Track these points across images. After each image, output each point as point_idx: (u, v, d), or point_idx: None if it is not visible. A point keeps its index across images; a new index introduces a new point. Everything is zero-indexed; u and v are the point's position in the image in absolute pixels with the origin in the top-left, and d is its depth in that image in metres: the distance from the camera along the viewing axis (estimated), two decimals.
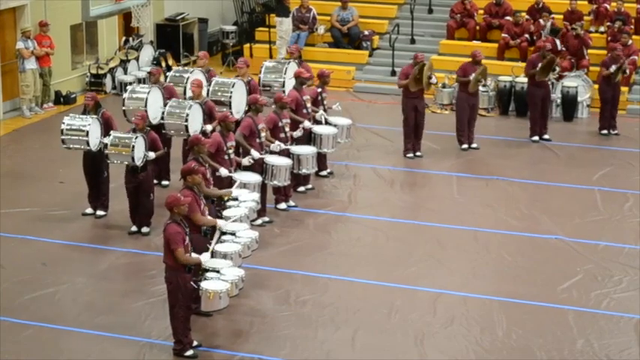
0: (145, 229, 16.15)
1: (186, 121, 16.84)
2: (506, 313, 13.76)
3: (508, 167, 19.66)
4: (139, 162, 15.77)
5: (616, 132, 21.78)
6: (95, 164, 16.61)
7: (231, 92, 17.94)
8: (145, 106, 17.08)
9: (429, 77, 19.52)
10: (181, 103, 17.21)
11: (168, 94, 17.69)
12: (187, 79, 18.39)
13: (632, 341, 13.11)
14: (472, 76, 20.18)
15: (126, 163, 15.82)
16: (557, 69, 21.37)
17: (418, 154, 19.99)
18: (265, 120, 16.73)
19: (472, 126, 20.55)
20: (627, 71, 22.07)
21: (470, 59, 20.55)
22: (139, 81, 23.61)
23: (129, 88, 17.85)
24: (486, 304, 14.06)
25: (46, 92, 23.13)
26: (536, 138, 21.11)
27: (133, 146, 15.63)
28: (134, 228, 16.23)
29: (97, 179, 16.72)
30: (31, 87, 22.58)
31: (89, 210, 16.85)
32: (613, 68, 21.42)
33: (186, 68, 19.96)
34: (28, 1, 22.71)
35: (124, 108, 17.41)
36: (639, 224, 16.90)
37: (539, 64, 20.84)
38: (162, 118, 17.18)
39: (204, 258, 12.55)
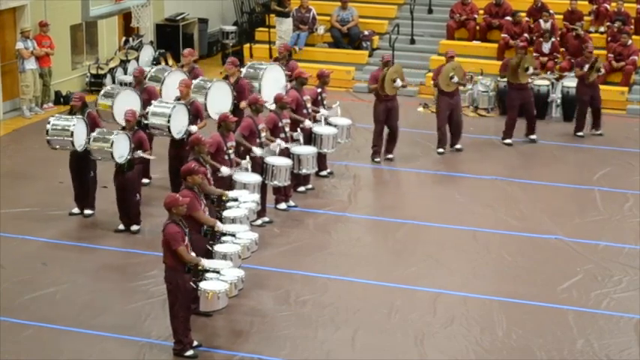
0: (134, 227, 16.16)
1: (169, 121, 16.82)
2: (506, 313, 13.76)
3: (508, 167, 19.67)
4: (120, 160, 15.78)
5: (600, 132, 21.65)
6: (81, 164, 16.63)
7: (207, 92, 17.77)
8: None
9: (394, 80, 19.36)
10: (165, 103, 17.13)
11: (147, 96, 17.68)
12: (164, 79, 18.34)
13: (632, 341, 13.10)
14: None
15: (103, 159, 15.91)
16: (531, 69, 21.02)
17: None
18: (265, 120, 16.74)
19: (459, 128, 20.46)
20: (602, 70, 21.51)
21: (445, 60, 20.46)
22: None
23: (102, 90, 17.84)
24: (486, 304, 14.06)
25: (46, 92, 23.14)
26: (508, 141, 20.98)
27: (113, 142, 15.67)
28: (121, 226, 16.27)
29: (84, 179, 16.74)
30: (31, 87, 22.59)
31: (76, 210, 16.89)
32: (586, 67, 21.23)
33: (164, 67, 19.90)
34: (28, 1, 22.72)
35: (96, 108, 17.46)
36: (639, 224, 16.90)
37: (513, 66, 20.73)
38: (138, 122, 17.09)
39: (205, 262, 12.47)
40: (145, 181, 17.88)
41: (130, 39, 25.82)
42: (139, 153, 15.96)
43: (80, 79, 24.59)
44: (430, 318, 13.63)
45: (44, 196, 17.70)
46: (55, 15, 23.34)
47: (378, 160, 19.72)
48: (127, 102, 17.25)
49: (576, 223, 16.98)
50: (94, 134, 16.02)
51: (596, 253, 15.80)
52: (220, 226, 13.39)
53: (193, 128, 17.01)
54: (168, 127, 16.82)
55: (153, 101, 17.25)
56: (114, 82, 24.47)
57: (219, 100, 17.95)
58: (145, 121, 16.98)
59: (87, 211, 16.81)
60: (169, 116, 16.79)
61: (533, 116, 21.20)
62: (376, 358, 12.70)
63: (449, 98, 20.15)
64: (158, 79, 18.47)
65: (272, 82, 18.67)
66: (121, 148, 15.78)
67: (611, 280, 14.85)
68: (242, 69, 19.03)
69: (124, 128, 16.12)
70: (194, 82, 18.11)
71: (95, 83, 24.35)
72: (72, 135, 16.18)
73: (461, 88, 20.69)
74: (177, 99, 17.37)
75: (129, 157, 15.89)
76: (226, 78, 18.70)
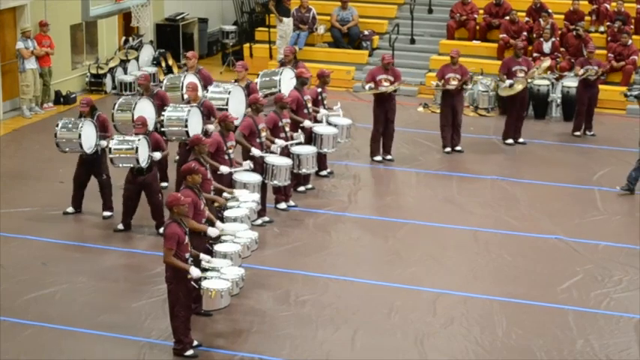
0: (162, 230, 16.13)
1: (186, 126, 16.81)
2: (506, 314, 13.76)
3: (508, 167, 19.67)
4: (144, 164, 15.76)
5: (592, 133, 21.65)
6: (93, 166, 16.61)
7: (227, 98, 17.90)
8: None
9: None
10: (178, 108, 17.10)
11: (159, 101, 17.65)
12: (182, 84, 18.39)
13: (632, 341, 13.11)
14: (449, 76, 20.09)
15: (131, 165, 15.81)
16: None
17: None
18: (266, 120, 16.74)
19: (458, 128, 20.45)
20: (604, 76, 21.85)
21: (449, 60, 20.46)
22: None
23: (116, 103, 17.64)
24: (486, 305, 14.06)
25: (46, 92, 23.14)
26: (510, 141, 21.00)
27: (137, 148, 15.62)
28: (120, 226, 16.24)
29: (98, 181, 16.72)
30: (31, 87, 22.59)
31: (70, 209, 16.86)
32: (593, 70, 21.29)
33: (179, 74, 19.92)
34: (28, 1, 22.71)
35: (114, 123, 17.36)
36: (639, 224, 16.91)
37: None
38: (155, 128, 17.08)
39: (195, 272, 12.29)
40: (164, 184, 17.86)
41: (130, 39, 25.82)
42: (156, 156, 15.93)
43: (80, 78, 24.59)
44: (430, 318, 13.63)
45: (44, 196, 17.70)
46: (55, 15, 23.34)
47: (378, 159, 19.71)
48: (143, 111, 17.24)
49: (576, 223, 16.98)
50: (113, 143, 15.82)
51: (596, 253, 15.80)
52: (211, 232, 13.30)
53: (210, 127, 17.04)
54: (187, 132, 16.80)
55: (166, 107, 17.18)
56: (114, 81, 24.51)
57: (235, 105, 17.99)
58: (162, 129, 16.97)
59: (106, 213, 16.71)
60: (186, 121, 16.78)
61: (523, 117, 21.17)
62: (376, 358, 12.70)
63: (454, 98, 20.17)
64: (176, 86, 18.48)
65: (288, 84, 18.75)
66: (144, 153, 15.75)
67: (611, 280, 14.85)
68: (257, 79, 18.96)
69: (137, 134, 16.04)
70: (212, 87, 18.23)
71: (95, 83, 24.39)
72: (80, 137, 16.14)
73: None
74: (187, 102, 17.35)
75: (150, 161, 15.88)
76: (235, 82, 18.69)
